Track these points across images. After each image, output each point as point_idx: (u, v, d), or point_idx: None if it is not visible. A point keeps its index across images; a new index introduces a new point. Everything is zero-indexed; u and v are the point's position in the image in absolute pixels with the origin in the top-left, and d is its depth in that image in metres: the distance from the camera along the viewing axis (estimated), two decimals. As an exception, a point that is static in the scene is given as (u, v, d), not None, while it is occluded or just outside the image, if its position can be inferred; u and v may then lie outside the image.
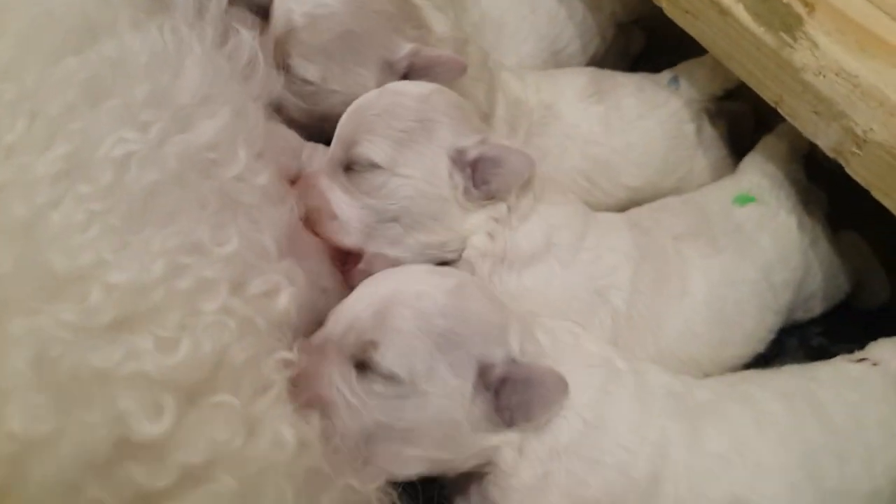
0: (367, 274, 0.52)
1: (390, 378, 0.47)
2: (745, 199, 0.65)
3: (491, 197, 0.55)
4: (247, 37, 0.54)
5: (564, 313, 0.56)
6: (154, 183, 0.45)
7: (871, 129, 0.55)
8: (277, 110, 0.60)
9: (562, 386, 0.49)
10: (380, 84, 0.59)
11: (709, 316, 0.60)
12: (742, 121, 0.77)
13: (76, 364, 0.39)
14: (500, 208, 0.55)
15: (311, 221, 0.55)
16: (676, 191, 0.71)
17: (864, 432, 0.54)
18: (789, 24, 0.59)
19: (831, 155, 0.58)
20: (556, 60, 0.78)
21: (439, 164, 0.54)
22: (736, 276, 0.61)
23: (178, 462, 0.40)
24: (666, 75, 0.74)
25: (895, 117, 0.55)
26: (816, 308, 0.68)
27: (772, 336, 0.64)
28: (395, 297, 0.48)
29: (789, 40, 0.58)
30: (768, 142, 0.69)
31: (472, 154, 0.54)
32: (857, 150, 0.56)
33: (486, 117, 0.65)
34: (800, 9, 0.60)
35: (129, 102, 0.46)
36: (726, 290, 0.61)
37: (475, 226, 0.55)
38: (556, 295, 0.57)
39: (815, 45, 0.58)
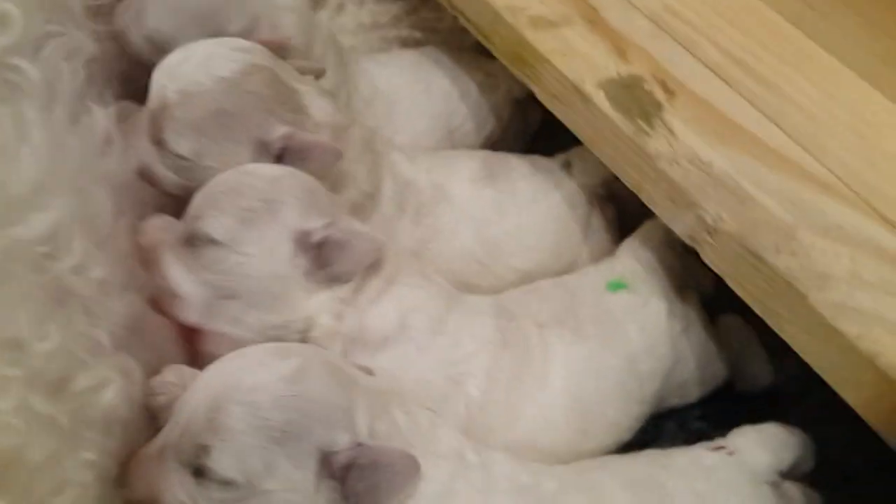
0: (214, 356, 0.51)
1: (227, 483, 0.45)
2: (616, 286, 0.65)
3: (335, 279, 0.55)
4: (100, 114, 0.54)
5: (419, 398, 0.55)
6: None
7: (722, 218, 0.55)
8: (151, 183, 0.60)
9: (413, 469, 0.47)
10: (253, 160, 0.59)
11: (568, 406, 0.59)
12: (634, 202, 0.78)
13: None
14: (346, 290, 0.55)
15: (156, 299, 0.54)
16: (567, 273, 0.71)
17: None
18: (648, 112, 0.60)
19: (688, 242, 0.58)
20: (451, 139, 0.78)
21: (282, 244, 0.53)
22: (599, 364, 0.61)
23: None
24: (559, 158, 0.74)
25: (745, 206, 0.55)
26: (692, 394, 0.68)
27: (637, 425, 0.63)
28: (227, 394, 0.46)
29: (646, 128, 0.59)
30: (647, 227, 0.69)
31: (317, 237, 0.54)
32: (709, 239, 0.56)
33: (370, 197, 0.66)
34: (660, 96, 0.61)
35: None
36: (588, 379, 0.60)
37: (319, 307, 0.55)
38: (411, 379, 0.56)
39: (671, 132, 0.58)
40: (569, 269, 0.71)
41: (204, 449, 0.45)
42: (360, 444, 0.47)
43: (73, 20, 0.60)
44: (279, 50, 0.65)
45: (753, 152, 0.58)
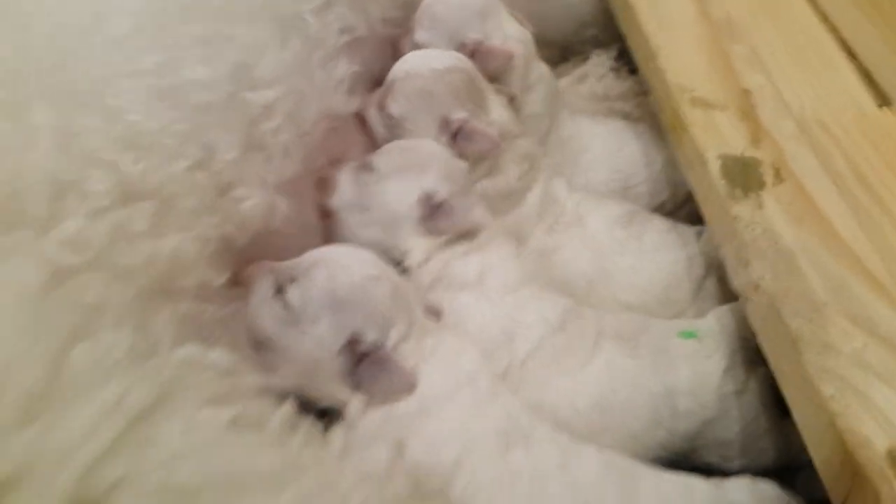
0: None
1: (288, 307, 0.63)
2: (688, 335, 0.73)
3: (436, 231, 0.72)
4: (344, 65, 0.78)
5: (474, 339, 0.69)
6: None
7: (765, 278, 0.62)
8: (361, 125, 0.82)
9: (407, 387, 0.61)
10: (438, 133, 0.78)
11: (596, 398, 0.68)
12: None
13: None
14: (440, 242, 0.72)
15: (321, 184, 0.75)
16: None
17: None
18: (749, 186, 0.69)
19: (740, 297, 0.66)
20: (624, 195, 0.91)
21: (411, 195, 0.72)
22: (639, 381, 0.69)
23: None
24: (696, 228, 0.84)
25: (791, 276, 0.62)
26: (733, 459, 0.72)
27: (662, 453, 0.69)
28: (324, 259, 0.65)
29: (741, 195, 0.68)
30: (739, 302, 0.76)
31: (436, 200, 0.72)
32: (752, 297, 0.64)
33: (516, 194, 0.81)
34: (769, 178, 0.69)
35: None
36: (623, 387, 0.69)
37: (416, 246, 0.72)
38: (474, 322, 0.70)
39: (760, 205, 0.67)
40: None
41: (292, 279, 0.63)
42: (380, 347, 0.62)
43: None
44: (502, 61, 0.84)
45: (826, 240, 0.64)
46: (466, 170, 0.76)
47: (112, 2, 0.66)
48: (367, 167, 0.74)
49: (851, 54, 0.81)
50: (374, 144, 0.81)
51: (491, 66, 0.84)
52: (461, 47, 0.86)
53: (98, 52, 0.62)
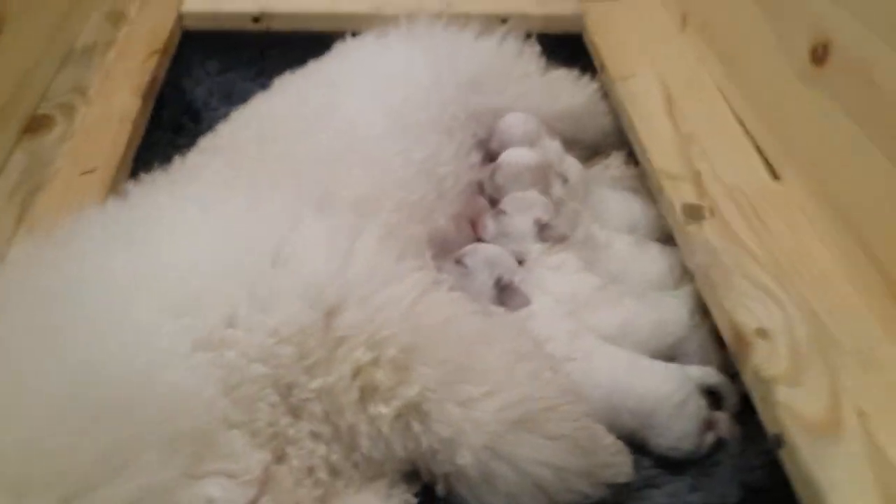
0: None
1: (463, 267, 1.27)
2: (673, 296, 1.35)
3: (543, 240, 1.35)
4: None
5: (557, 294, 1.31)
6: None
7: (701, 264, 1.25)
8: (480, 190, 1.47)
9: (525, 303, 1.24)
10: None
11: (619, 324, 1.29)
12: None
13: None
14: (542, 247, 1.35)
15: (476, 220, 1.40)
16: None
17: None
18: (697, 219, 1.32)
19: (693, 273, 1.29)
20: (632, 231, 1.54)
21: (530, 220, 1.36)
22: (642, 315, 1.29)
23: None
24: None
25: (716, 261, 1.25)
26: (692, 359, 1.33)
27: (655, 357, 1.31)
28: (477, 246, 1.31)
29: (693, 224, 1.31)
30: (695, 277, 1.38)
31: (543, 222, 1.35)
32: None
33: (568, 228, 1.45)
34: (707, 214, 1.33)
35: None
36: (634, 318, 1.28)
37: (533, 249, 1.35)
38: (557, 286, 1.32)
39: (703, 230, 1.30)
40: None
41: (463, 256, 1.27)
42: (511, 283, 1.25)
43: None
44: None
45: (736, 245, 1.27)
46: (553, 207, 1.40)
47: (368, 124, 1.32)
48: (500, 212, 1.39)
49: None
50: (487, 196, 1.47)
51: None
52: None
53: (372, 148, 1.27)
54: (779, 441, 0.94)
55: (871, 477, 0.86)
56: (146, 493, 0.69)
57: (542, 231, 1.36)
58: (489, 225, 1.40)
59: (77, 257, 0.91)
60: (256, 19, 1.79)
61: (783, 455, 0.94)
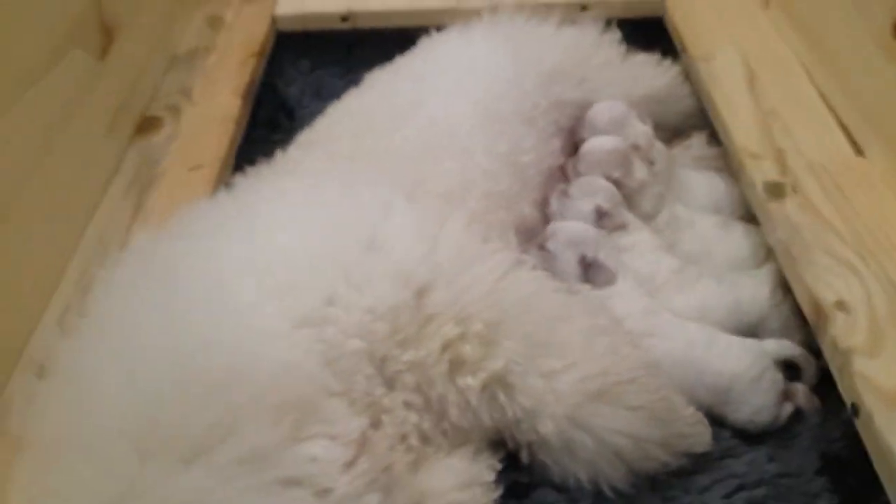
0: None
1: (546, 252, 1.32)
2: (754, 275, 1.37)
3: (602, 225, 1.38)
4: (556, 144, 1.48)
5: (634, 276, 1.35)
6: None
7: (782, 241, 1.27)
8: (562, 172, 1.52)
9: (611, 280, 1.29)
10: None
11: (697, 305, 1.32)
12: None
13: None
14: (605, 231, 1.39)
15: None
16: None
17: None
18: (779, 196, 1.33)
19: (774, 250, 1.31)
20: (716, 211, 1.56)
21: (591, 205, 1.39)
22: (720, 296, 1.32)
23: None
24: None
25: (797, 239, 1.26)
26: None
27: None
28: (557, 226, 1.36)
29: (774, 202, 1.33)
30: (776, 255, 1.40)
31: (604, 210, 1.39)
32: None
33: (653, 209, 1.48)
34: (789, 192, 1.34)
35: None
36: (711, 297, 1.32)
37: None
38: (633, 267, 1.36)
39: (785, 206, 1.31)
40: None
41: (546, 240, 1.33)
42: (596, 260, 1.29)
43: None
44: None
45: (818, 221, 1.28)
46: (619, 196, 1.43)
47: (454, 118, 1.38)
48: (565, 193, 1.43)
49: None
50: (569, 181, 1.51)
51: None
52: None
53: (458, 141, 1.33)
54: (855, 410, 0.96)
55: (948, 448, 0.88)
56: (256, 453, 0.77)
57: (601, 219, 1.39)
58: (553, 203, 1.44)
59: (190, 245, 1.00)
60: (345, 18, 1.87)
61: (859, 425, 0.96)
